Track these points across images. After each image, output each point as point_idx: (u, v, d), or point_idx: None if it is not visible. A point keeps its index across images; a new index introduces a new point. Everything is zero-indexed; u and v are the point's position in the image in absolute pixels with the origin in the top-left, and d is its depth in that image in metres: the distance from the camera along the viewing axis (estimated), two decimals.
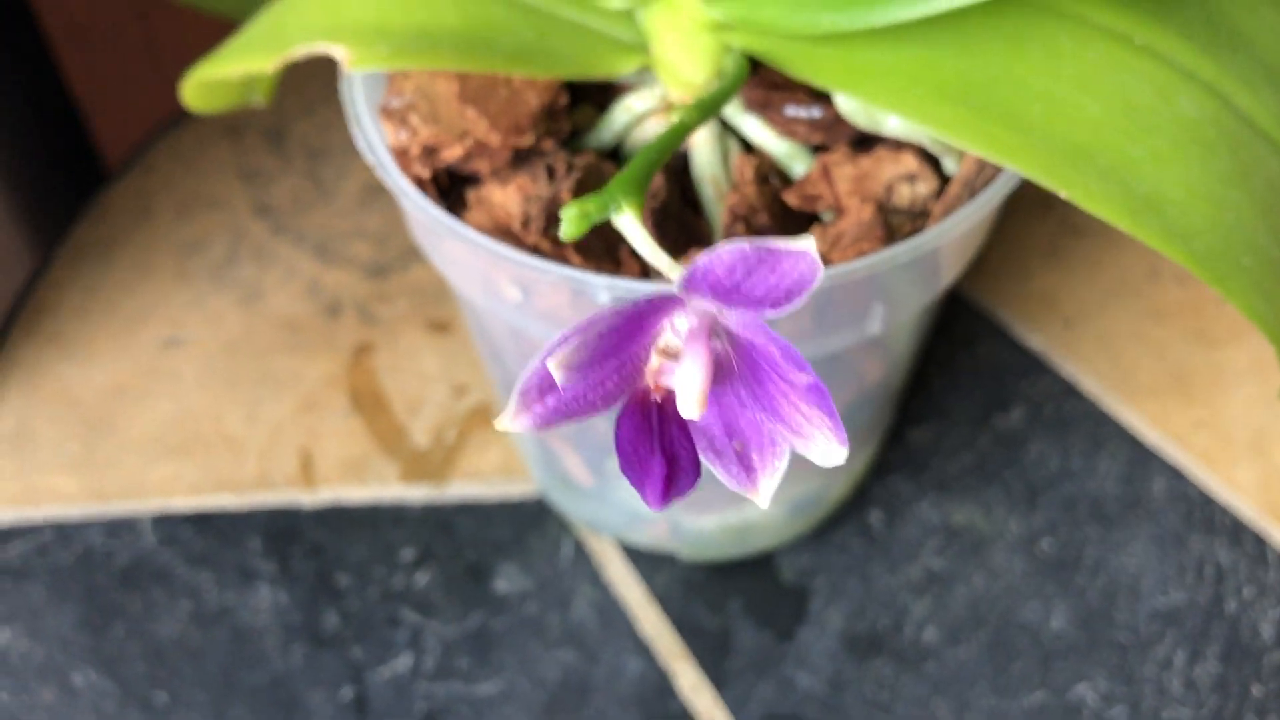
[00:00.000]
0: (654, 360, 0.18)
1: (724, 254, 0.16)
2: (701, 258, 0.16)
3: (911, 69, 0.25)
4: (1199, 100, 0.27)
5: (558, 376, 0.16)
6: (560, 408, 0.17)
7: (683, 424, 0.18)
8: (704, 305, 0.17)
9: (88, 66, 0.59)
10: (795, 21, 0.25)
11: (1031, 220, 0.46)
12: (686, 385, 0.17)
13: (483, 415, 0.41)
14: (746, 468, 0.18)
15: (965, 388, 0.42)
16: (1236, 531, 0.38)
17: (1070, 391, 0.42)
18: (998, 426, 0.41)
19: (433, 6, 0.29)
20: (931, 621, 0.37)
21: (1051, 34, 0.26)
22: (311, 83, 0.48)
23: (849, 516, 0.39)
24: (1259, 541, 0.38)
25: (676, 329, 0.17)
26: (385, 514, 0.39)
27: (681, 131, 0.23)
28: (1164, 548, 0.38)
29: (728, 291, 0.16)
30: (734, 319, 0.17)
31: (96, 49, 0.57)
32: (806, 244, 0.16)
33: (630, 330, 0.17)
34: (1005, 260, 0.45)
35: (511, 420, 0.17)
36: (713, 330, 0.17)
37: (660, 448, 0.17)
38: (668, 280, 0.21)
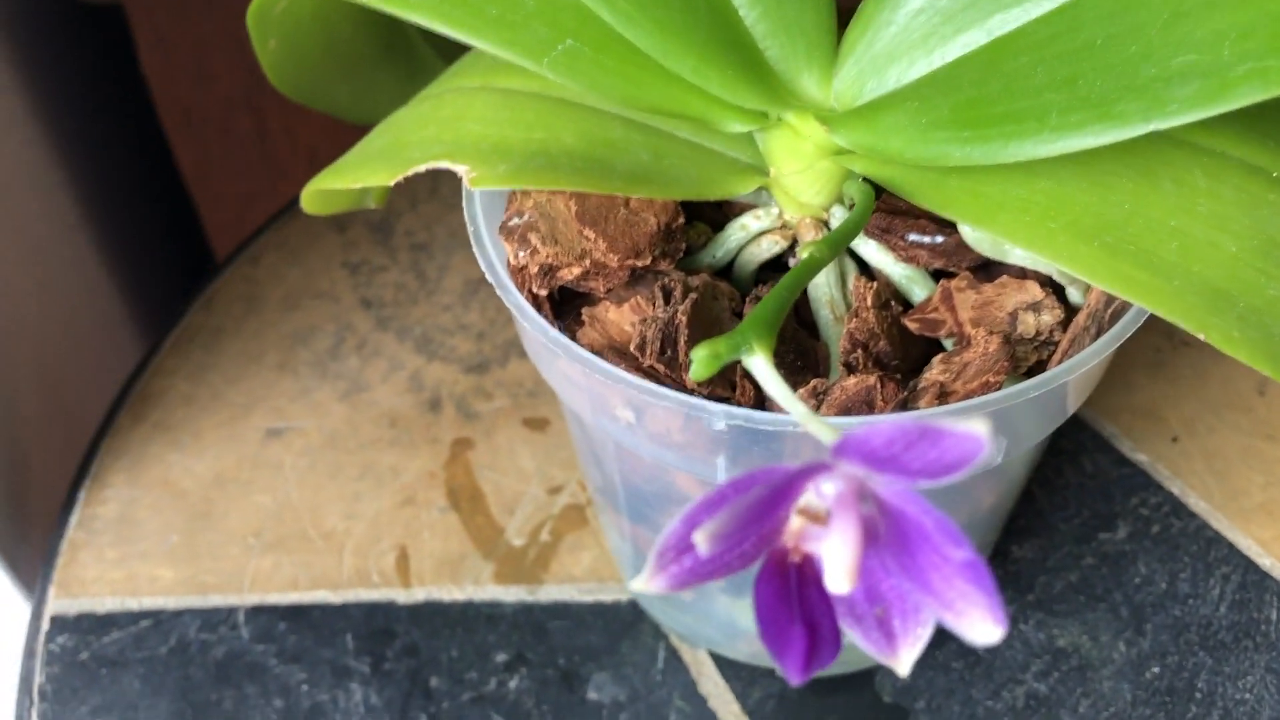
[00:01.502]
0: (794, 521, 0.17)
1: (884, 427, 0.16)
2: (858, 428, 0.16)
3: (1042, 204, 0.25)
4: None
5: (703, 548, 0.16)
6: (697, 569, 0.17)
7: (823, 588, 0.17)
8: (856, 470, 0.17)
9: (199, 156, 0.61)
10: (924, 153, 0.25)
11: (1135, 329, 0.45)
12: (836, 559, 0.16)
13: (577, 515, 0.41)
14: (887, 634, 0.18)
15: (1071, 503, 0.41)
16: None
17: (1179, 509, 0.40)
18: (1103, 544, 0.40)
19: (552, 127, 0.29)
20: None
21: (1185, 169, 0.26)
22: (417, 177, 0.48)
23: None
24: None
25: (821, 492, 0.17)
26: (479, 614, 0.38)
27: (813, 268, 0.22)
28: None
29: (881, 462, 0.16)
30: (883, 484, 0.17)
31: (208, 139, 0.59)
32: (979, 426, 0.15)
33: (777, 497, 0.17)
34: (1110, 371, 0.44)
35: (647, 582, 0.17)
36: (860, 494, 0.17)
37: (801, 615, 0.17)
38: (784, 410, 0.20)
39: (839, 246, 0.24)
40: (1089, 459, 0.42)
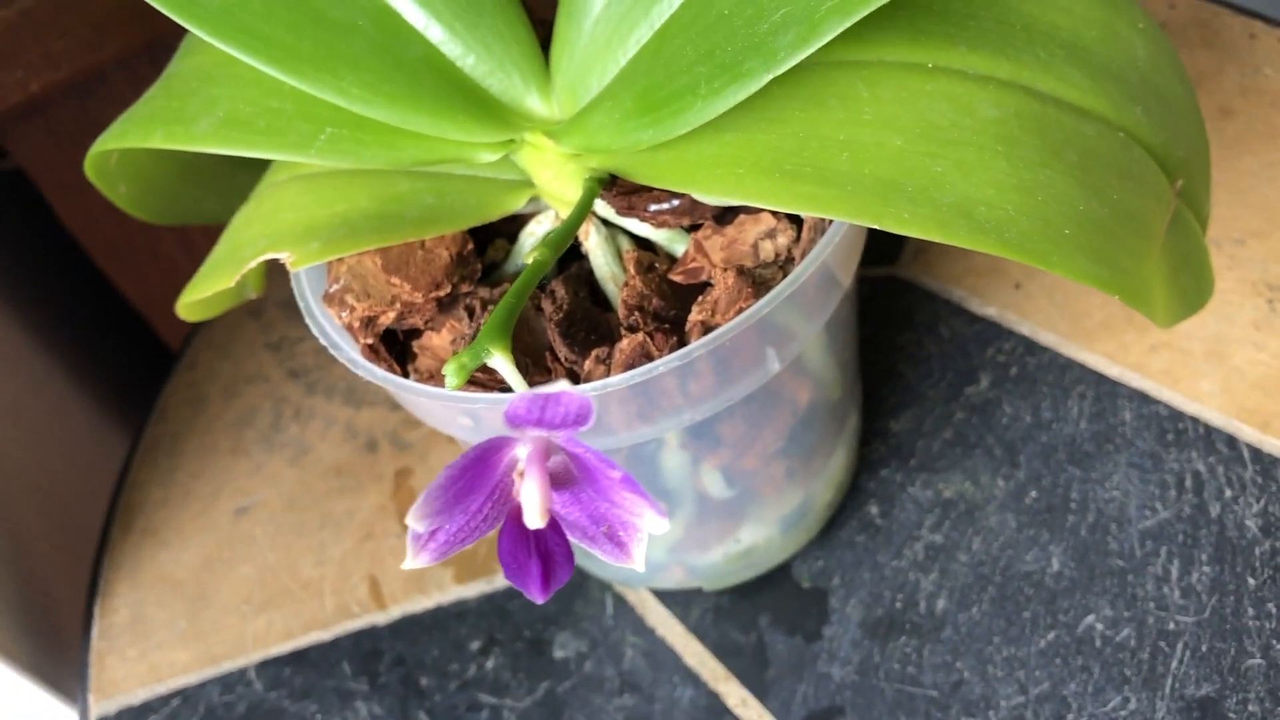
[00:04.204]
0: (516, 483, 0.22)
1: (519, 401, 0.21)
2: (507, 406, 0.21)
3: (730, 154, 0.29)
4: (998, 100, 0.30)
5: (417, 527, 0.21)
6: (449, 541, 0.22)
7: (554, 526, 0.22)
8: (534, 434, 0.22)
9: (136, 279, 0.67)
10: (624, 142, 0.29)
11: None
12: (528, 500, 0.21)
13: None
14: (618, 544, 0.22)
15: (935, 370, 0.45)
16: (1209, 437, 0.41)
17: (1031, 347, 0.45)
18: (970, 398, 0.44)
19: (349, 197, 0.34)
20: (941, 592, 0.40)
21: (848, 85, 0.30)
22: None
23: (849, 515, 0.42)
24: (1231, 442, 0.41)
25: (520, 457, 0.22)
26: (449, 615, 0.44)
27: (538, 269, 0.27)
28: (1143, 470, 0.41)
29: (538, 423, 0.21)
30: (561, 438, 0.22)
31: (140, 263, 0.65)
32: (561, 386, 0.20)
33: (479, 469, 0.22)
34: None
35: (412, 561, 0.22)
36: (549, 450, 0.22)
37: (536, 551, 0.22)
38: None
39: (560, 246, 0.28)
40: (944, 325, 0.46)
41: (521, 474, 0.22)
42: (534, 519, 0.21)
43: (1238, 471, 0.40)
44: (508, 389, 0.31)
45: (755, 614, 0.41)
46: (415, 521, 0.21)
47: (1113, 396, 0.43)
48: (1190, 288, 0.34)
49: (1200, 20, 0.52)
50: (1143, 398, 0.43)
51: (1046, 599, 0.39)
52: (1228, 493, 0.40)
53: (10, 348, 0.57)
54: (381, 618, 0.44)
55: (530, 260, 0.27)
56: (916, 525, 0.42)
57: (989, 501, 0.42)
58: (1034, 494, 0.41)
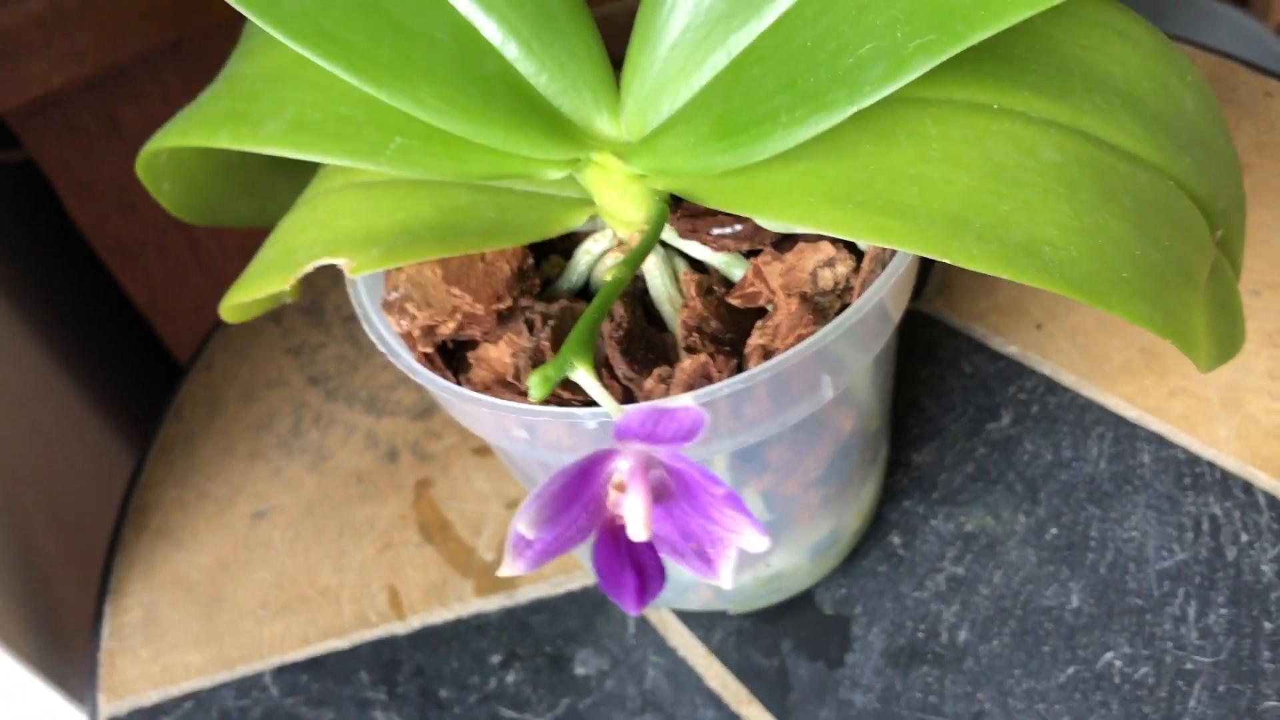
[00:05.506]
0: (612, 495, 0.22)
1: (634, 414, 0.21)
2: (620, 418, 0.21)
3: (801, 182, 0.30)
4: (1060, 144, 0.31)
5: (528, 534, 0.21)
6: (546, 549, 0.22)
7: (649, 540, 0.22)
8: (637, 447, 0.22)
9: (142, 279, 0.66)
10: (697, 165, 0.30)
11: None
12: (632, 513, 0.21)
13: None
14: (705, 561, 0.23)
15: (957, 405, 0.46)
16: (1225, 482, 0.42)
17: (1052, 387, 0.46)
18: (991, 433, 0.45)
19: (409, 206, 0.34)
20: (963, 623, 0.41)
21: (917, 122, 0.31)
22: None
23: (872, 545, 0.43)
24: (1247, 488, 0.42)
25: (620, 469, 0.22)
26: (469, 627, 0.44)
27: (617, 286, 0.28)
28: (1161, 512, 0.42)
29: (647, 436, 0.21)
30: (663, 453, 0.22)
31: (147, 262, 0.64)
32: (686, 401, 0.20)
33: (582, 480, 0.22)
34: (973, 280, 0.49)
35: (508, 568, 0.22)
36: (649, 464, 0.22)
37: (630, 563, 0.22)
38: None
39: (636, 264, 0.29)
40: (966, 361, 0.47)
41: (619, 487, 0.22)
42: (638, 532, 0.21)
43: (1254, 517, 0.41)
44: (564, 403, 0.32)
45: (778, 639, 0.41)
46: (526, 528, 0.21)
47: (1132, 438, 0.44)
48: (1226, 334, 0.35)
49: (1218, 77, 0.53)
50: (1161, 441, 0.43)
51: (1066, 634, 0.40)
52: (1244, 537, 0.41)
53: (15, 344, 0.56)
54: (400, 628, 0.44)
55: (609, 277, 0.28)
56: (938, 557, 0.42)
57: (1010, 536, 0.42)
58: (1054, 531, 0.42)
